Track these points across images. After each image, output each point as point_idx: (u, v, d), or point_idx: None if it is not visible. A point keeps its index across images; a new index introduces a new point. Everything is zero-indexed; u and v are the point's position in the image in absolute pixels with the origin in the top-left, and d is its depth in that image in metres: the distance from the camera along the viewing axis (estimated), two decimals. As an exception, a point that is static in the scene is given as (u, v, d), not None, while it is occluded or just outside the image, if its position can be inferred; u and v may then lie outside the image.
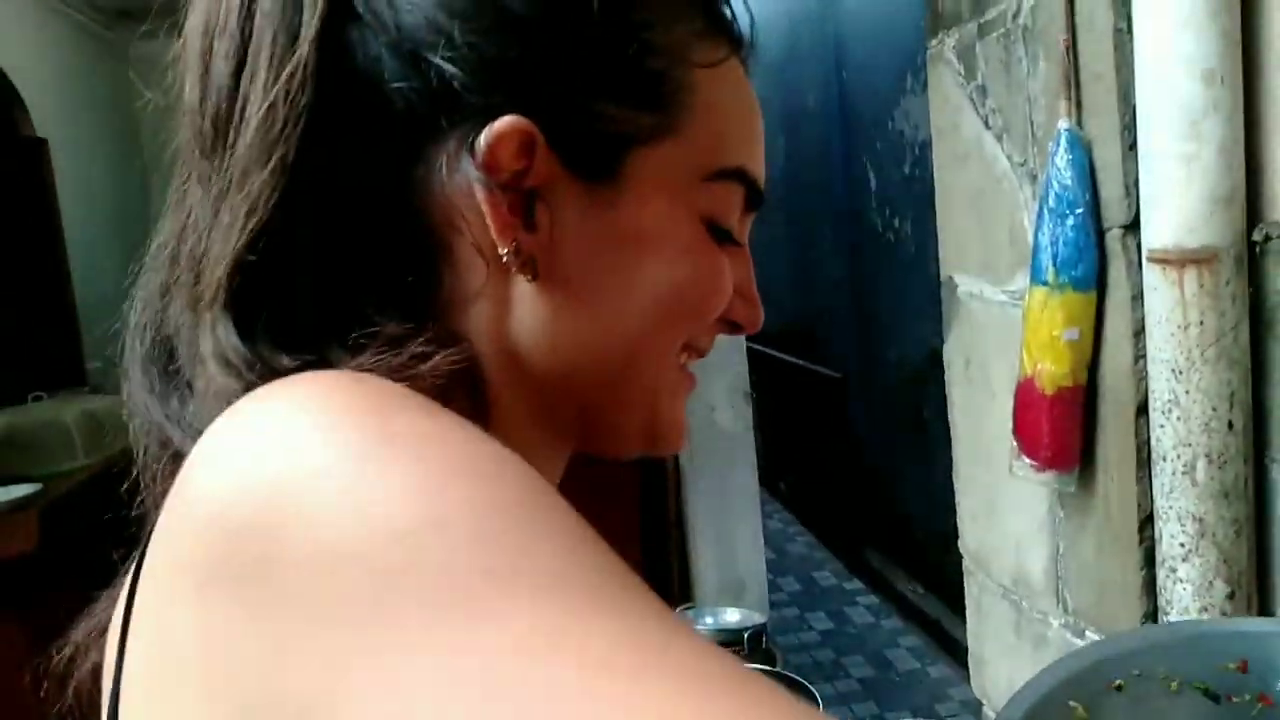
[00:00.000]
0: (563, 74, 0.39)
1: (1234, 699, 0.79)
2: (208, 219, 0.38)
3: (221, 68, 0.38)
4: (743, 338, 2.88)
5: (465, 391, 0.37)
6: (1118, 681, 0.80)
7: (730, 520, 2.91)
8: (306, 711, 0.25)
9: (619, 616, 0.25)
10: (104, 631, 0.39)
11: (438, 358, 0.36)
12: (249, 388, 0.34)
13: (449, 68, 0.38)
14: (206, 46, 0.39)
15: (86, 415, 2.58)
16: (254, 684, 0.27)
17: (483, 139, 0.38)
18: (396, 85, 0.38)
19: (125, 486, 0.41)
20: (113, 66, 4.16)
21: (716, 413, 2.90)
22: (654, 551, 2.82)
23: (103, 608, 0.40)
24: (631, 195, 0.41)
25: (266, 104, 0.37)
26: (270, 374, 0.34)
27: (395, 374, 0.35)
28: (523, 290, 0.40)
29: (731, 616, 2.61)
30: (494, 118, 0.38)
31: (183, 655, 0.29)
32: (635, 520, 2.68)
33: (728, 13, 0.44)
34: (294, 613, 0.26)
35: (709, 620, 2.53)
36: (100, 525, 0.43)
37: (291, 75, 0.37)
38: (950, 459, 1.70)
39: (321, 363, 0.35)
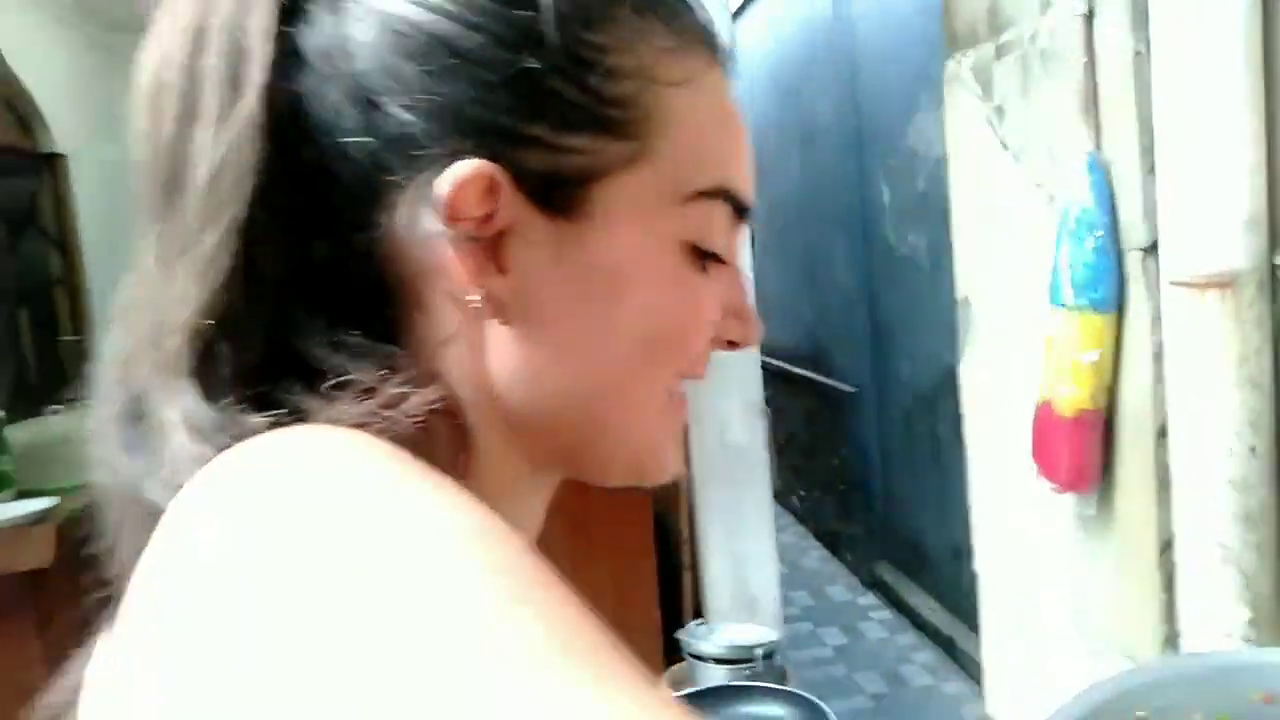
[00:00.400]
0: (523, 111, 0.37)
1: (1261, 730, 0.79)
2: (161, 282, 0.37)
3: (167, 125, 0.37)
4: (756, 353, 2.88)
5: (445, 432, 0.36)
6: (1141, 713, 0.80)
7: (744, 536, 2.90)
8: None
9: (607, 698, 0.24)
10: (76, 694, 0.38)
11: (415, 398, 0.35)
12: (221, 450, 0.33)
13: (405, 115, 0.36)
14: (152, 101, 0.38)
15: (104, 429, 2.58)
16: None
17: (443, 186, 0.36)
18: (352, 135, 0.37)
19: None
20: (132, 82, 4.18)
21: (730, 428, 2.90)
22: (667, 566, 2.81)
23: (78, 668, 0.39)
24: (604, 228, 0.39)
25: (213, 162, 0.36)
26: (241, 435, 0.33)
27: (371, 420, 0.34)
28: (497, 333, 0.39)
29: (744, 633, 2.61)
30: (454, 162, 0.36)
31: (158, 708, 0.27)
32: (649, 535, 2.67)
33: (697, 23, 0.42)
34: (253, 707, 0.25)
35: (721, 638, 2.53)
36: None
37: (239, 131, 0.35)
38: (963, 475, 1.69)
39: (294, 415, 0.34)
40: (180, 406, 0.35)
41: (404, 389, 0.35)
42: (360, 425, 0.33)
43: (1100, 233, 1.22)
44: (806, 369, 4.87)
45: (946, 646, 3.48)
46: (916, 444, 3.78)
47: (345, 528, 0.28)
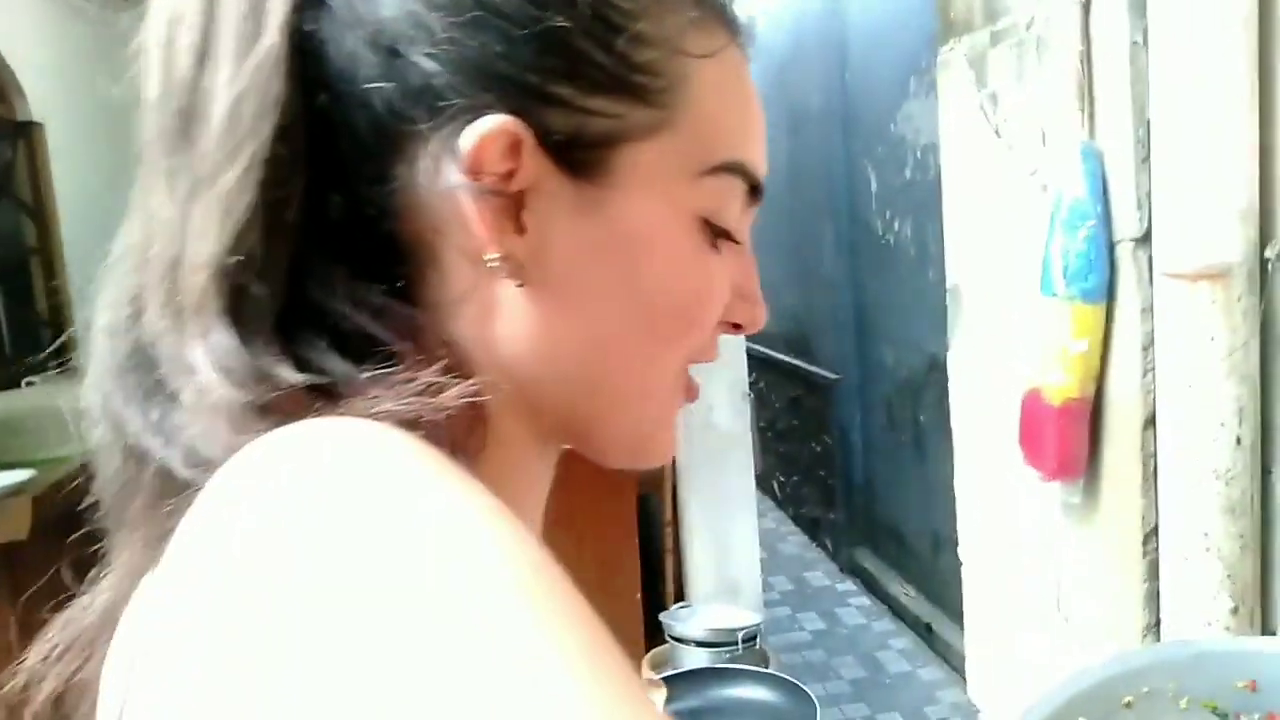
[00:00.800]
0: (550, 70, 0.37)
1: (1243, 718, 0.80)
2: (177, 220, 0.36)
3: (183, 60, 0.36)
4: (742, 337, 2.88)
5: (463, 409, 0.35)
6: (1127, 699, 0.80)
7: (726, 520, 2.91)
8: None
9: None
10: (63, 655, 0.38)
11: (452, 391, 0.34)
12: (252, 400, 0.32)
13: (429, 64, 0.36)
14: (167, 38, 0.37)
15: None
16: None
17: (467, 140, 0.36)
18: (374, 83, 0.36)
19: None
20: (111, 50, 4.10)
21: (714, 412, 2.90)
22: (650, 549, 2.82)
23: (58, 631, 0.38)
24: (623, 194, 0.39)
25: (233, 97, 0.35)
26: (275, 386, 0.33)
27: (407, 410, 0.33)
28: (510, 294, 0.38)
29: (726, 616, 2.62)
30: (478, 117, 0.36)
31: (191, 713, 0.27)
32: (633, 518, 2.68)
33: (720, 1, 0.42)
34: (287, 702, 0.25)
35: (704, 621, 2.54)
36: (94, 512, 0.41)
37: (259, 66, 0.35)
38: (944, 463, 1.70)
39: (327, 389, 0.34)
40: (208, 346, 0.34)
41: (441, 377, 0.35)
42: (395, 413, 0.33)
43: (1092, 223, 1.22)
44: (791, 356, 4.88)
45: (924, 633, 3.51)
46: (898, 432, 3.80)
47: (391, 539, 0.27)
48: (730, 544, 2.90)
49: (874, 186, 3.87)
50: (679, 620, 2.46)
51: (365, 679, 0.24)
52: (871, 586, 4.03)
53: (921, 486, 3.51)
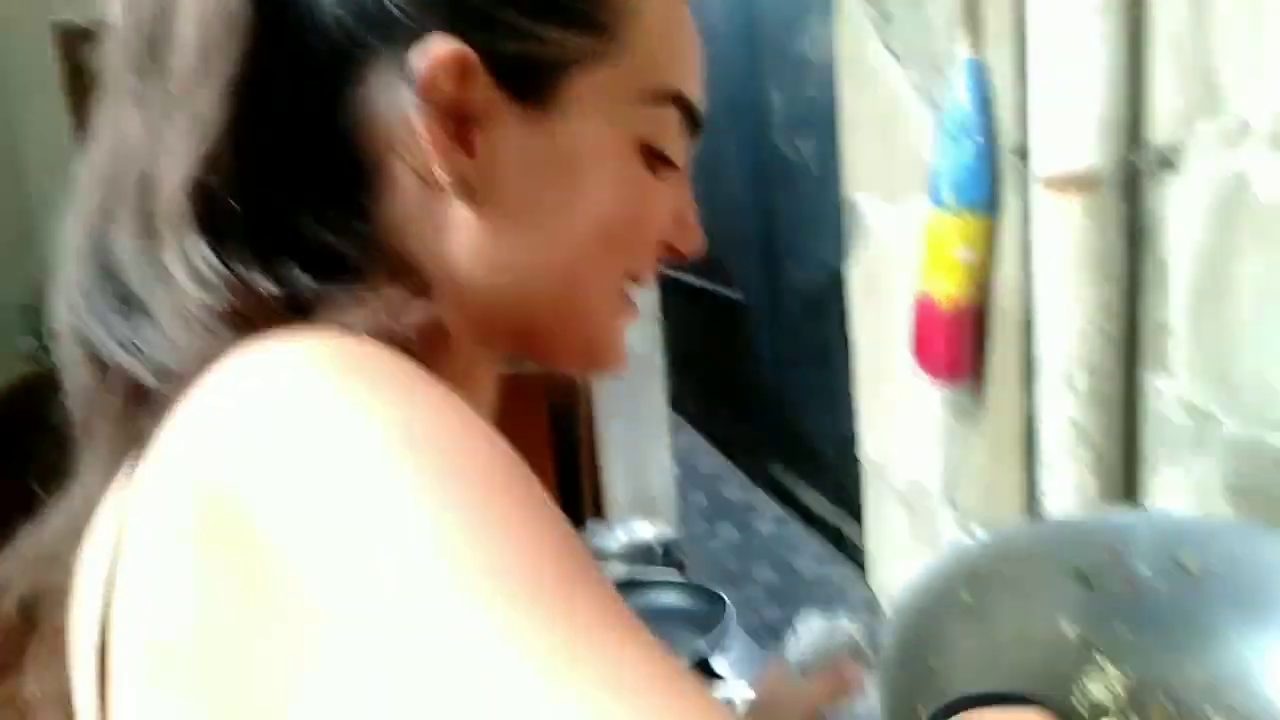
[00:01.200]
0: None
1: (1103, 582, 0.88)
2: (148, 141, 0.37)
3: None
4: (652, 260, 2.91)
5: (427, 326, 0.37)
6: (1001, 570, 0.88)
7: (641, 439, 2.98)
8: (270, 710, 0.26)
9: (587, 628, 0.26)
10: (32, 563, 0.39)
11: (415, 305, 0.36)
12: (228, 307, 0.34)
13: None
14: None
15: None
16: (241, 675, 0.27)
17: (419, 63, 0.37)
18: (331, 7, 0.37)
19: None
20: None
21: (626, 335, 2.93)
22: (567, 469, 2.87)
23: (27, 544, 0.40)
24: (568, 119, 0.41)
25: (200, 20, 0.36)
26: (250, 295, 0.34)
27: (378, 327, 0.35)
28: (462, 215, 0.40)
29: (643, 530, 2.70)
30: (430, 41, 0.37)
31: (179, 632, 0.29)
32: (546, 439, 2.72)
33: None
34: (275, 598, 0.26)
35: (621, 535, 2.62)
36: (40, 430, 0.41)
37: None
38: (850, 376, 1.78)
39: (298, 298, 0.35)
40: (183, 256, 0.35)
41: (405, 295, 0.36)
42: (363, 327, 0.34)
43: (977, 136, 1.28)
44: (701, 279, 4.94)
45: (834, 537, 3.68)
46: (806, 348, 3.91)
47: (375, 446, 0.28)
48: (646, 462, 2.98)
49: (778, 105, 3.89)
50: (596, 536, 2.53)
51: (363, 580, 0.26)
52: (785, 497, 4.18)
53: (829, 399, 3.63)
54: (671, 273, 4.93)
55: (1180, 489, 1.15)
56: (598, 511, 2.95)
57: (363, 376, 0.31)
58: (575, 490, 2.96)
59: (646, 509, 2.98)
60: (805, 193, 3.68)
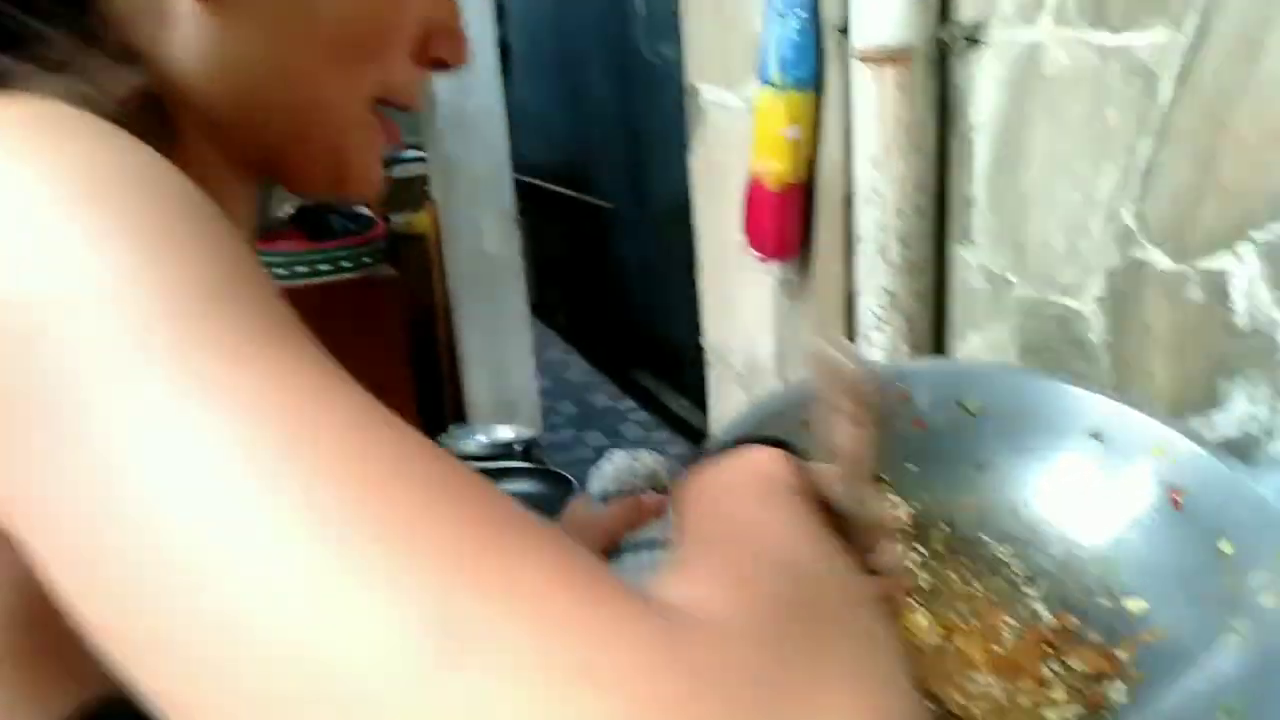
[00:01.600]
0: None
1: (896, 421, 0.95)
2: None
3: None
4: (507, 160, 2.87)
5: (147, 120, 0.36)
6: (802, 416, 0.94)
7: (501, 343, 2.97)
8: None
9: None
10: None
11: (121, 75, 0.35)
12: None
13: None
14: None
15: None
16: None
17: None
18: None
19: None
20: None
21: (484, 239, 2.90)
22: (426, 375, 2.85)
23: None
24: None
25: None
26: None
27: (76, 96, 0.32)
28: (194, 14, 0.39)
29: (504, 432, 2.72)
30: None
31: None
32: (403, 345, 2.69)
33: None
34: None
35: (482, 437, 2.63)
36: None
37: None
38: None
39: None
40: None
41: (107, 62, 0.34)
42: (65, 97, 0.32)
43: (803, 13, 1.30)
44: (565, 187, 4.89)
45: (696, 437, 3.79)
46: (670, 255, 3.95)
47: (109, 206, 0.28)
48: (506, 366, 2.98)
49: (640, 10, 3.85)
50: (456, 439, 2.53)
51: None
52: (650, 403, 4.27)
53: (692, 305, 3.70)
54: (537, 182, 4.86)
55: (980, 350, 1.24)
56: (459, 416, 2.95)
57: (39, 127, 0.30)
58: (437, 395, 2.95)
59: (509, 413, 2.99)
60: (669, 99, 3.67)
